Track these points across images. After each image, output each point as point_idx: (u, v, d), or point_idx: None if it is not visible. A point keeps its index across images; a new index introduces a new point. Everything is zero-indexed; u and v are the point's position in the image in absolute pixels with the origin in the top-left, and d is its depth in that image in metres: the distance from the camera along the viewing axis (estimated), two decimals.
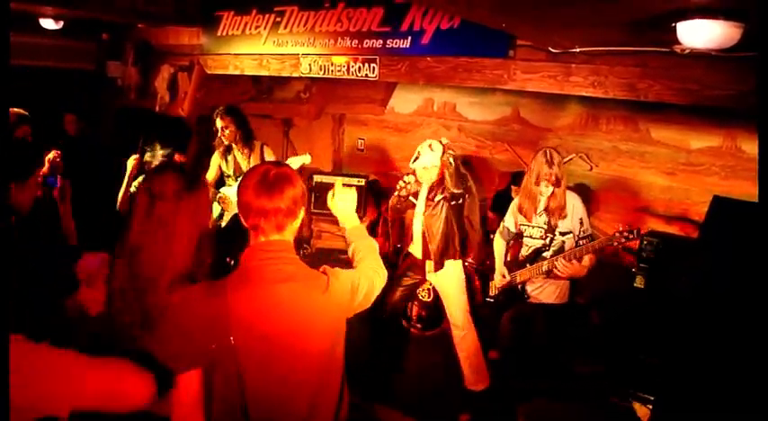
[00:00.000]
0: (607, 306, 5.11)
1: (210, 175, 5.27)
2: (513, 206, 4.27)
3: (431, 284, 5.39)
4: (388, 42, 5.35)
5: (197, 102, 7.73)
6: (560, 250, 3.97)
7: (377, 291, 2.24)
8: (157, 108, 8.15)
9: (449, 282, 4.54)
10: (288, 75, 6.43)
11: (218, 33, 7.01)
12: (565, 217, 3.93)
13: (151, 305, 2.03)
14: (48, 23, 7.14)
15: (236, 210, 5.03)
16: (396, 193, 4.51)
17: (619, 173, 5.88)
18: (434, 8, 4.93)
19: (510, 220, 4.29)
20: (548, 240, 3.98)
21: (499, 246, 4.40)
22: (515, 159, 6.44)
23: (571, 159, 5.76)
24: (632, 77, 4.09)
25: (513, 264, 4.24)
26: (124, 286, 2.10)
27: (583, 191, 5.38)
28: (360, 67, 5.59)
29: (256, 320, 1.84)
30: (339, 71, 5.78)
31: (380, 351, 4.62)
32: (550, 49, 4.38)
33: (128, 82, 8.59)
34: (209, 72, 7.34)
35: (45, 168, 3.97)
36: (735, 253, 2.78)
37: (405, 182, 4.40)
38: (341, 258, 6.28)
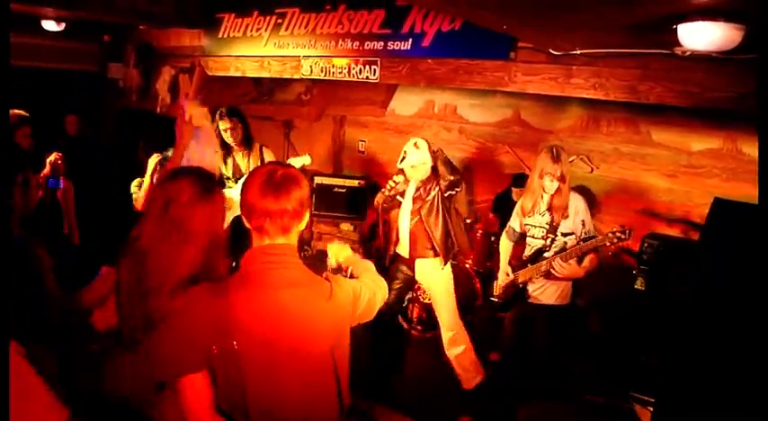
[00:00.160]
0: (607, 308, 5.11)
1: None
2: (518, 206, 4.27)
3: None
4: (388, 44, 5.36)
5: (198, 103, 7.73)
6: (562, 251, 3.97)
7: (378, 304, 2.22)
8: (158, 109, 8.17)
9: (438, 281, 4.56)
10: (289, 76, 6.44)
11: (220, 35, 7.02)
12: (567, 217, 3.93)
13: (153, 308, 2.03)
14: (50, 25, 7.16)
15: (237, 212, 5.07)
16: (382, 192, 4.53)
17: (620, 175, 5.88)
18: (435, 10, 4.93)
19: (515, 221, 4.29)
20: (548, 241, 3.97)
21: (504, 246, 4.40)
22: (516, 161, 6.44)
23: (572, 161, 5.75)
24: (633, 79, 4.09)
25: (517, 264, 4.24)
26: (130, 289, 2.10)
27: (584, 193, 5.38)
28: (361, 69, 5.60)
29: (259, 325, 1.81)
30: (340, 73, 5.79)
31: (381, 352, 4.62)
32: (551, 51, 4.39)
33: (129, 83, 8.61)
34: (210, 74, 7.35)
35: (46, 169, 3.98)
36: (736, 255, 2.77)
37: (395, 181, 4.42)
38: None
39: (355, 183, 7.16)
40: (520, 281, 4.13)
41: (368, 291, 2.15)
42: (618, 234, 3.64)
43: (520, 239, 4.23)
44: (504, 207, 6.03)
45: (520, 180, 5.79)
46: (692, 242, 4.89)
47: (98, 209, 6.07)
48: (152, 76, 8.31)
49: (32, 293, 2.34)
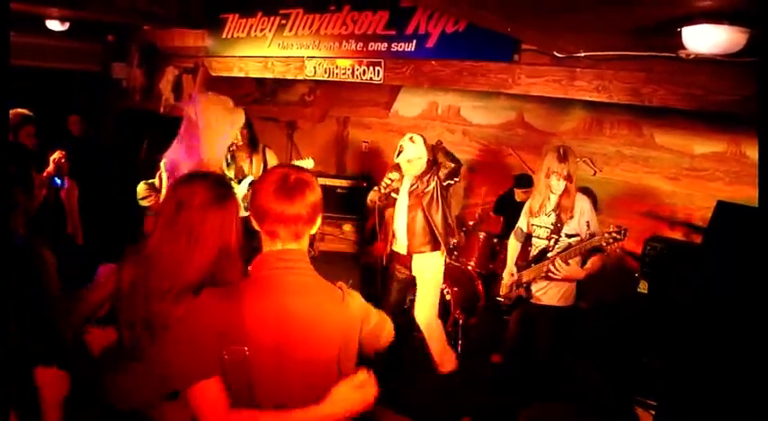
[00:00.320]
0: (610, 310, 5.11)
1: None
2: (526, 206, 4.27)
3: None
4: (392, 46, 5.36)
5: None
6: (564, 251, 3.95)
7: (384, 337, 2.17)
8: (162, 110, 8.17)
9: (429, 272, 4.61)
10: (292, 77, 6.45)
11: (223, 36, 7.03)
12: (572, 218, 3.91)
13: (156, 313, 2.01)
14: (54, 25, 7.18)
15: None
16: (375, 190, 4.53)
17: (622, 177, 5.88)
18: (439, 12, 4.94)
19: (523, 221, 4.29)
20: (552, 241, 3.96)
21: (512, 246, 4.40)
22: (519, 163, 6.44)
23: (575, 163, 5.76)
24: (637, 82, 4.09)
25: (522, 265, 4.23)
26: (132, 291, 2.08)
27: (586, 195, 5.38)
28: (364, 71, 5.60)
29: (269, 331, 1.78)
30: (344, 74, 5.79)
31: (382, 353, 4.61)
32: (555, 53, 4.39)
33: (133, 83, 8.62)
34: (213, 74, 7.36)
35: (50, 168, 3.98)
36: (739, 258, 2.77)
37: (390, 179, 4.42)
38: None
39: (358, 183, 7.16)
40: (524, 281, 4.12)
41: (379, 315, 2.11)
42: (614, 234, 3.62)
43: (527, 240, 4.22)
44: (506, 208, 6.02)
45: (522, 181, 5.79)
46: (695, 245, 4.88)
47: (101, 209, 6.08)
48: (155, 77, 8.31)
49: (34, 293, 2.33)
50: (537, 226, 4.07)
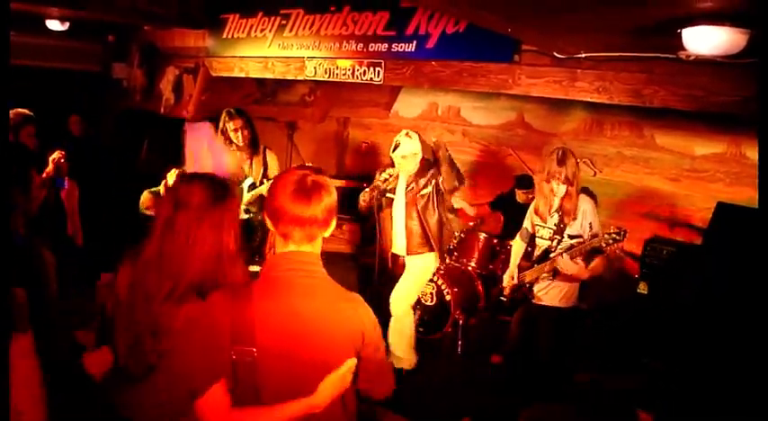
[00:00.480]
0: (610, 312, 5.10)
1: None
2: (531, 207, 4.27)
3: (433, 288, 5.39)
4: (393, 46, 5.35)
5: (202, 104, 7.74)
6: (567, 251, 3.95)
7: (386, 378, 2.11)
8: (162, 110, 8.17)
9: (419, 267, 4.61)
10: (293, 78, 6.44)
11: (224, 36, 7.02)
12: (575, 219, 3.91)
13: (157, 315, 2.00)
14: (54, 25, 7.17)
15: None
16: (366, 191, 4.50)
17: (623, 178, 5.88)
18: (440, 12, 4.93)
19: (528, 222, 4.28)
20: (555, 242, 3.96)
21: (516, 247, 4.39)
22: (519, 164, 6.45)
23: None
24: (637, 83, 4.09)
25: (525, 265, 4.23)
26: (132, 295, 2.08)
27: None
28: (365, 71, 5.59)
29: (277, 333, 1.78)
30: (344, 74, 5.78)
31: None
32: (555, 54, 4.38)
33: (133, 84, 8.61)
34: (214, 74, 7.35)
35: (50, 169, 3.97)
36: (739, 259, 2.77)
37: (387, 174, 4.39)
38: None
39: (358, 184, 7.16)
40: (527, 281, 4.12)
41: (383, 348, 2.07)
42: (613, 235, 3.62)
43: (531, 241, 4.23)
44: (506, 208, 6.03)
45: (523, 181, 5.79)
46: (695, 246, 4.88)
47: (101, 209, 6.08)
48: (156, 77, 8.30)
49: (33, 293, 2.33)
50: (540, 227, 4.07)
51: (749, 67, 3.38)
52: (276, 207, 1.83)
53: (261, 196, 5.07)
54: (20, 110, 4.67)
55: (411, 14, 5.19)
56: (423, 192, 4.41)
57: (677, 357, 3.36)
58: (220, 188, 2.12)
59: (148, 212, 4.32)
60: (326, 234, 1.92)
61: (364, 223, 7.04)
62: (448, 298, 5.30)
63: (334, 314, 1.86)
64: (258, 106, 8.08)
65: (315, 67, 6.04)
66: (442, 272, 5.45)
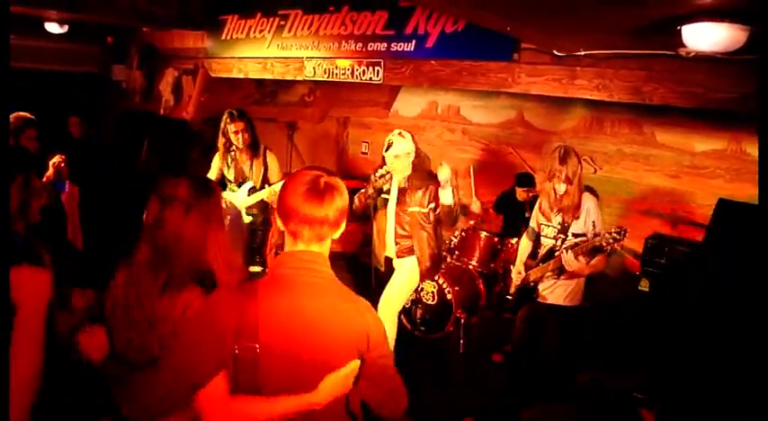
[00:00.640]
0: (613, 310, 5.10)
1: (211, 177, 5.24)
2: (536, 206, 4.27)
3: (435, 287, 5.39)
4: (392, 46, 5.35)
5: (201, 105, 7.75)
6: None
7: (394, 395, 2.07)
8: (162, 111, 8.18)
9: (408, 273, 4.51)
10: (292, 78, 6.44)
11: (223, 37, 7.03)
12: (578, 218, 3.90)
13: (153, 310, 2.04)
14: (53, 27, 7.18)
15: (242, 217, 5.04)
16: (358, 197, 4.45)
17: (623, 176, 5.88)
18: (439, 12, 4.93)
19: (534, 221, 4.28)
20: (559, 241, 3.95)
21: (523, 245, 4.38)
22: (519, 162, 6.45)
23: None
24: (637, 81, 4.09)
25: (532, 264, 4.23)
26: (125, 293, 2.10)
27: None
28: (364, 71, 5.60)
29: (281, 332, 1.79)
30: (343, 74, 5.79)
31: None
32: (555, 52, 4.38)
33: (132, 85, 8.63)
34: (213, 75, 7.36)
35: (50, 173, 3.96)
36: (740, 255, 2.77)
37: (384, 171, 4.32)
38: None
39: (358, 184, 7.15)
40: (531, 279, 4.12)
41: (392, 362, 2.04)
42: (613, 234, 3.62)
43: (536, 239, 4.22)
44: (507, 207, 6.03)
45: (524, 180, 5.79)
46: (696, 243, 4.88)
47: (101, 210, 6.07)
48: (155, 78, 8.32)
49: None
50: (545, 225, 4.07)
51: (748, 64, 3.38)
52: (288, 206, 1.84)
53: (262, 200, 5.05)
54: (21, 113, 4.66)
55: (410, 14, 5.19)
56: (412, 210, 4.32)
57: (679, 354, 3.35)
58: (204, 182, 2.18)
59: None
60: (336, 235, 1.93)
61: (365, 223, 7.04)
62: (449, 297, 5.30)
63: (338, 315, 1.85)
64: (258, 107, 8.09)
65: (314, 68, 6.04)
66: (443, 271, 5.45)
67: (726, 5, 2.58)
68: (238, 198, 5.04)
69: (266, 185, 5.00)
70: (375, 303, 4.66)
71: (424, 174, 4.36)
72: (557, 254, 3.94)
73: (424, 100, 7.33)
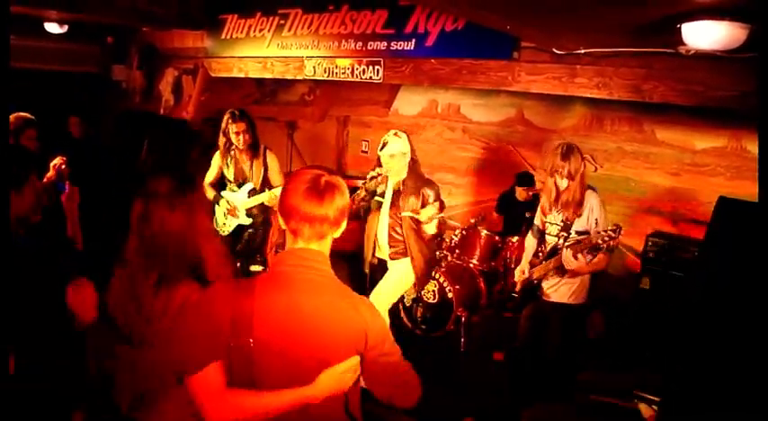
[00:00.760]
0: (613, 308, 5.11)
1: (211, 176, 5.21)
2: (540, 203, 4.27)
3: (435, 286, 5.39)
4: (392, 44, 5.35)
5: (201, 105, 7.75)
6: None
7: (403, 387, 2.15)
8: (162, 111, 8.18)
9: (400, 275, 4.45)
10: (292, 77, 6.44)
11: (223, 36, 7.02)
12: (580, 216, 3.89)
13: (149, 305, 2.07)
14: (52, 27, 7.17)
15: (239, 220, 5.04)
16: (362, 185, 4.38)
17: (623, 173, 5.88)
18: (438, 10, 4.93)
19: (538, 218, 4.27)
20: (562, 239, 3.95)
21: (529, 243, 4.38)
22: (520, 160, 6.45)
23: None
24: (637, 79, 4.09)
25: (536, 262, 4.22)
26: (121, 292, 2.12)
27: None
28: (364, 70, 5.60)
29: (277, 328, 1.80)
30: (343, 73, 5.79)
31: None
32: (555, 50, 4.38)
33: (132, 85, 8.63)
34: (213, 75, 7.36)
35: (50, 174, 3.97)
36: (741, 254, 2.77)
37: (376, 173, 4.22)
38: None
39: (359, 183, 7.15)
40: (534, 277, 4.12)
41: (399, 356, 2.07)
42: (609, 232, 3.62)
43: (541, 237, 4.22)
44: (508, 206, 6.03)
45: (524, 179, 5.79)
46: (697, 241, 4.87)
47: (101, 210, 6.07)
48: (155, 78, 8.32)
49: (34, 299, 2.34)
50: (549, 223, 4.06)
51: (748, 62, 3.38)
52: (288, 204, 1.86)
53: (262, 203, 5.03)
54: (21, 113, 4.66)
55: (410, 13, 5.19)
56: (405, 214, 4.24)
57: (680, 351, 3.35)
58: (186, 177, 2.26)
59: None
60: (337, 234, 1.95)
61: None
62: (450, 295, 5.31)
63: (336, 312, 1.86)
64: (258, 106, 8.09)
65: (314, 67, 6.04)
66: (443, 269, 5.46)
67: (726, 4, 2.59)
68: (238, 199, 5.04)
69: (266, 189, 4.98)
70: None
71: (419, 178, 4.31)
72: (559, 252, 3.94)
73: (424, 98, 7.33)
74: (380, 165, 4.28)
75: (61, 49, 8.04)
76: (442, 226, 4.18)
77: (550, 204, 4.01)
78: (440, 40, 5.03)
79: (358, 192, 4.40)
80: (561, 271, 3.95)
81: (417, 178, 4.30)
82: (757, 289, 2.51)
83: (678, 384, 3.02)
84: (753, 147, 5.03)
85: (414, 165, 4.32)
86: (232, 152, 5.05)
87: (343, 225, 1.95)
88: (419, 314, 5.57)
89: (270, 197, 4.87)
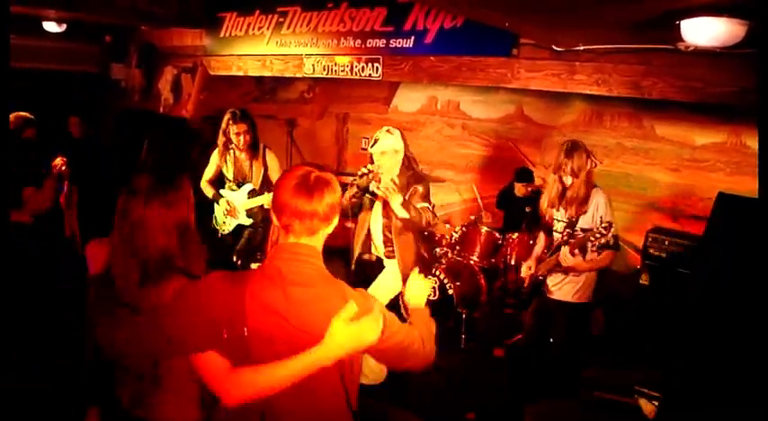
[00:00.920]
0: (614, 305, 5.11)
1: (209, 174, 5.20)
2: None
3: (436, 282, 5.39)
4: (391, 42, 5.36)
5: (201, 103, 7.75)
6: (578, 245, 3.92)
7: (413, 359, 2.10)
8: (161, 110, 8.18)
9: (395, 272, 4.36)
10: (291, 75, 6.45)
11: (222, 34, 7.02)
12: (586, 213, 3.88)
13: (137, 299, 2.10)
14: (51, 26, 7.17)
15: (239, 220, 5.05)
16: (352, 184, 4.23)
17: (623, 169, 5.88)
18: (437, 8, 4.93)
19: (547, 214, 4.26)
20: (567, 236, 3.94)
21: (540, 239, 4.37)
22: (519, 156, 6.45)
23: None
24: (636, 75, 4.09)
25: (542, 258, 4.22)
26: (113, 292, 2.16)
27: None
28: (363, 67, 5.60)
29: (271, 318, 1.83)
30: (342, 71, 5.79)
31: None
32: (554, 47, 4.38)
33: (131, 84, 8.63)
34: (212, 73, 7.36)
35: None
36: (741, 249, 2.77)
37: (366, 170, 4.05)
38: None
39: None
40: (539, 273, 4.11)
41: (404, 335, 2.04)
42: (600, 229, 3.62)
43: (549, 234, 4.21)
44: (507, 202, 6.03)
45: (523, 175, 5.80)
46: (697, 236, 4.88)
47: (101, 211, 6.07)
48: (154, 76, 8.32)
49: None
50: (556, 220, 4.05)
51: (747, 58, 3.38)
52: (279, 200, 1.90)
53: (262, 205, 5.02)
54: (20, 113, 4.67)
55: (409, 10, 5.19)
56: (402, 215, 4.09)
57: (680, 347, 3.36)
58: (166, 172, 2.26)
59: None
60: (328, 230, 1.96)
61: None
62: (450, 292, 5.31)
63: (326, 303, 1.87)
64: (257, 104, 8.09)
65: (313, 65, 6.04)
66: (443, 266, 5.46)
67: (724, 0, 2.58)
68: (238, 199, 5.04)
69: (266, 188, 4.97)
70: None
71: (411, 175, 4.21)
72: (560, 249, 3.94)
73: (423, 95, 7.33)
74: (372, 162, 4.18)
75: (59, 48, 8.04)
76: (428, 219, 4.09)
77: (551, 201, 4.01)
78: (439, 38, 5.03)
79: (349, 188, 4.31)
80: (561, 268, 3.95)
81: (410, 175, 4.20)
82: (757, 284, 2.52)
83: (678, 380, 3.03)
84: (752, 143, 5.04)
85: (408, 162, 4.25)
86: (231, 151, 5.04)
87: (335, 221, 1.96)
88: None
89: (269, 199, 4.86)
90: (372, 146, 4.16)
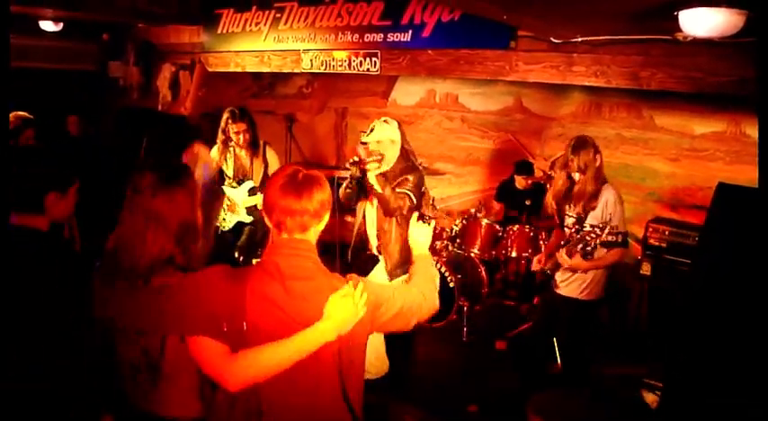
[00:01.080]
0: (616, 296, 5.11)
1: None
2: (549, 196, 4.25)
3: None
4: (388, 36, 5.35)
5: (199, 100, 7.74)
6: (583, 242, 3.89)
7: (418, 316, 2.21)
8: (160, 107, 8.17)
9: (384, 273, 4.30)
10: (289, 71, 6.44)
11: (219, 31, 7.01)
12: (594, 209, 3.86)
13: (136, 297, 2.10)
14: (47, 25, 7.15)
15: (239, 217, 5.05)
16: (347, 176, 4.14)
17: (622, 160, 5.88)
18: (435, 1, 4.92)
19: (559, 210, 4.24)
20: (575, 232, 3.91)
21: (554, 234, 4.36)
22: (519, 148, 6.45)
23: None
24: (635, 66, 4.09)
25: (552, 252, 4.21)
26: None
27: None
28: (361, 62, 5.59)
29: (270, 312, 1.85)
30: (340, 66, 5.78)
31: (388, 343, 4.60)
32: (552, 39, 4.38)
33: (130, 82, 8.61)
34: (210, 70, 7.35)
35: None
36: (741, 239, 2.78)
37: (354, 160, 3.92)
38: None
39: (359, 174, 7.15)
40: (546, 268, 4.10)
41: (403, 300, 2.13)
42: (595, 229, 3.61)
43: (562, 228, 4.19)
44: (508, 195, 6.04)
45: (523, 168, 5.80)
46: (697, 226, 4.88)
47: (101, 209, 6.06)
48: (152, 74, 8.31)
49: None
50: (567, 216, 4.02)
51: (746, 48, 3.38)
52: (269, 200, 1.94)
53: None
54: (19, 113, 4.67)
55: (406, 4, 5.18)
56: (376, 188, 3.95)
57: (681, 338, 3.36)
58: (171, 169, 2.26)
59: None
60: (320, 227, 2.00)
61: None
62: (451, 285, 5.32)
63: (322, 295, 1.90)
64: (256, 100, 8.09)
65: (311, 60, 6.03)
66: (444, 259, 5.47)
67: None
68: (238, 196, 5.05)
69: None
70: None
71: (406, 167, 4.12)
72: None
73: (422, 88, 7.32)
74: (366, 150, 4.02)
75: (57, 46, 8.02)
76: (401, 205, 4.00)
77: (555, 195, 3.99)
78: (436, 31, 5.02)
79: (341, 190, 4.21)
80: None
81: (404, 167, 4.11)
82: (758, 274, 2.53)
83: (680, 371, 3.04)
84: (752, 132, 5.03)
85: (406, 153, 4.19)
86: (231, 148, 5.04)
87: (326, 218, 1.99)
88: None
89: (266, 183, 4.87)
90: (368, 135, 4.12)
